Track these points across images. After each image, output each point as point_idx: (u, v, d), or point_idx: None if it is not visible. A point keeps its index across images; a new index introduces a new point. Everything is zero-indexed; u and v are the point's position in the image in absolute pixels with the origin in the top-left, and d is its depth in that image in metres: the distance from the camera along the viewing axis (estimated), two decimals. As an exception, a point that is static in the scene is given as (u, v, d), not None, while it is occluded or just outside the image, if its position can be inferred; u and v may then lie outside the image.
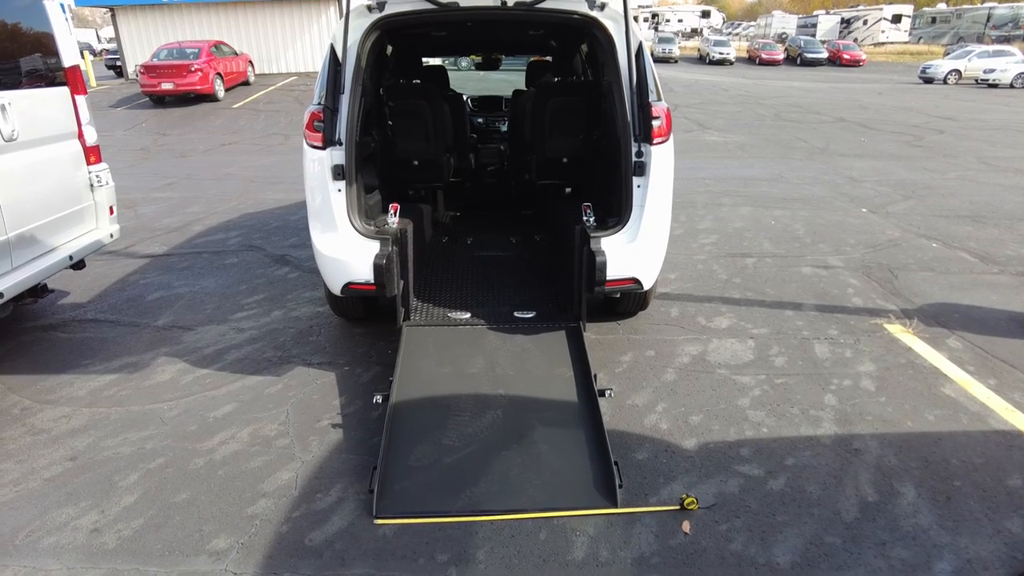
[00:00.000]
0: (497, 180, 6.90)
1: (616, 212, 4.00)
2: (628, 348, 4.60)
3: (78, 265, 4.81)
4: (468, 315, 4.28)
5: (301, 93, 21.79)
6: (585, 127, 5.09)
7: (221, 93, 21.02)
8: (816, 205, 8.84)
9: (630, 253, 3.85)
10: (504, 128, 7.49)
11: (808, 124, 16.99)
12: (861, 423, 3.71)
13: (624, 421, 3.69)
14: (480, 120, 7.68)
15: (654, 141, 3.82)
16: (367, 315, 4.99)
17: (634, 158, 3.84)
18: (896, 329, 4.93)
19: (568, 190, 5.61)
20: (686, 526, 2.92)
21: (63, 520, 2.95)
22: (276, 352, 4.61)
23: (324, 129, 3.81)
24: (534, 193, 6.17)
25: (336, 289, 3.94)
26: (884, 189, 9.71)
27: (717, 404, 3.92)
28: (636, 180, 3.87)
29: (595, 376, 3.64)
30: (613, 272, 3.81)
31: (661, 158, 3.86)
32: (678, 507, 3.03)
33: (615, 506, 3.00)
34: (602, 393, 3.56)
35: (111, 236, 5.17)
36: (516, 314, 4.29)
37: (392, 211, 4.13)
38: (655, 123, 3.80)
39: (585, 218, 4.11)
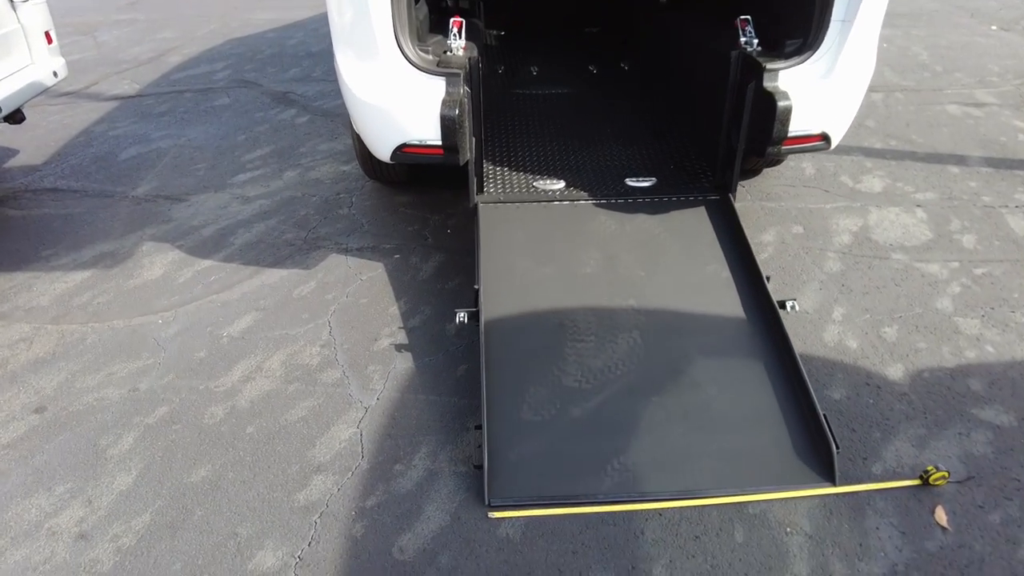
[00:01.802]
0: None
1: (799, 29, 2.64)
2: (765, 222, 3.47)
3: (13, 117, 3.51)
4: (561, 184, 3.09)
5: None
6: None
7: None
8: (931, 22, 7.16)
9: (823, 95, 2.58)
10: None
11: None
12: (1124, 337, 2.69)
13: (793, 335, 2.66)
14: None
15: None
16: (410, 178, 3.79)
17: None
18: (1109, 192, 3.76)
19: None
20: (940, 515, 2.01)
21: (33, 518, 2.03)
22: (298, 232, 3.47)
23: None
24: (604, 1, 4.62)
25: (384, 153, 2.71)
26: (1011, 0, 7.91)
27: (911, 308, 2.87)
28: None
29: (767, 278, 2.55)
30: (798, 124, 2.56)
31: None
32: (919, 482, 2.10)
33: (832, 483, 2.07)
34: (782, 305, 2.49)
35: (55, 75, 3.79)
36: (629, 182, 3.09)
37: (454, 28, 2.75)
38: None
39: (744, 39, 2.75)
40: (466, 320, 2.46)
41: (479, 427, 2.15)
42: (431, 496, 2.06)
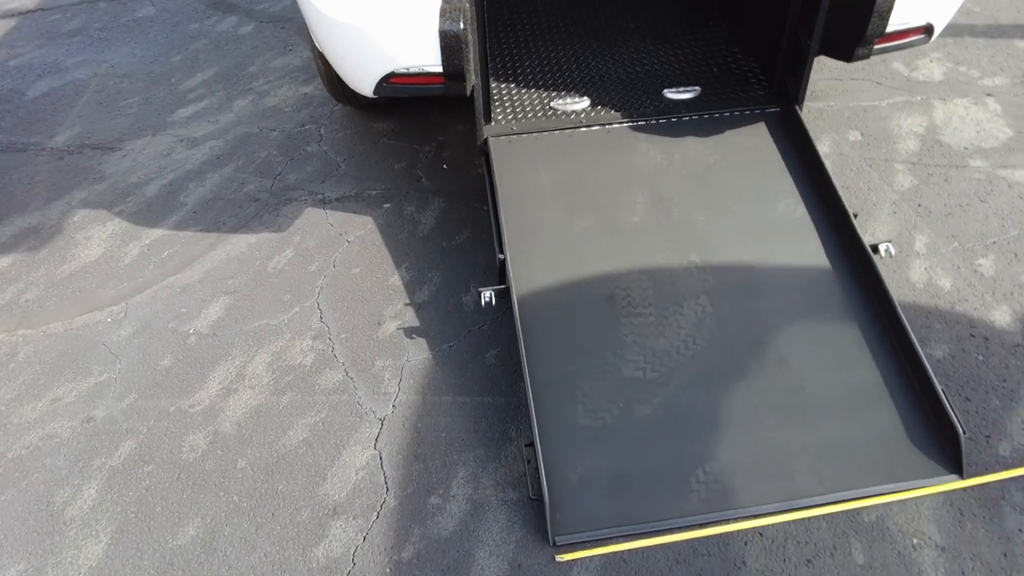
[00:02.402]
0: None
1: None
2: (816, 128, 2.93)
3: None
4: (586, 103, 2.50)
5: None
6: None
7: None
8: None
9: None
10: None
11: None
12: None
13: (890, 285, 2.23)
14: None
15: None
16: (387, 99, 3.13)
17: None
18: None
19: None
20: (1092, 504, 1.69)
21: (-19, 613, 1.61)
22: (262, 181, 2.86)
23: None
24: None
25: (366, 86, 2.09)
26: None
27: (1004, 230, 2.44)
28: None
29: (854, 215, 2.08)
30: (898, 14, 1.99)
31: None
32: (1059, 465, 1.76)
33: (959, 475, 1.72)
34: (875, 249, 2.03)
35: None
36: (668, 94, 2.51)
37: None
38: None
39: None
40: (494, 301, 1.98)
41: (530, 445, 1.74)
42: (480, 537, 1.68)
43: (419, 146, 3.00)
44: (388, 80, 2.01)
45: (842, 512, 1.67)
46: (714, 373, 1.86)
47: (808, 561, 1.61)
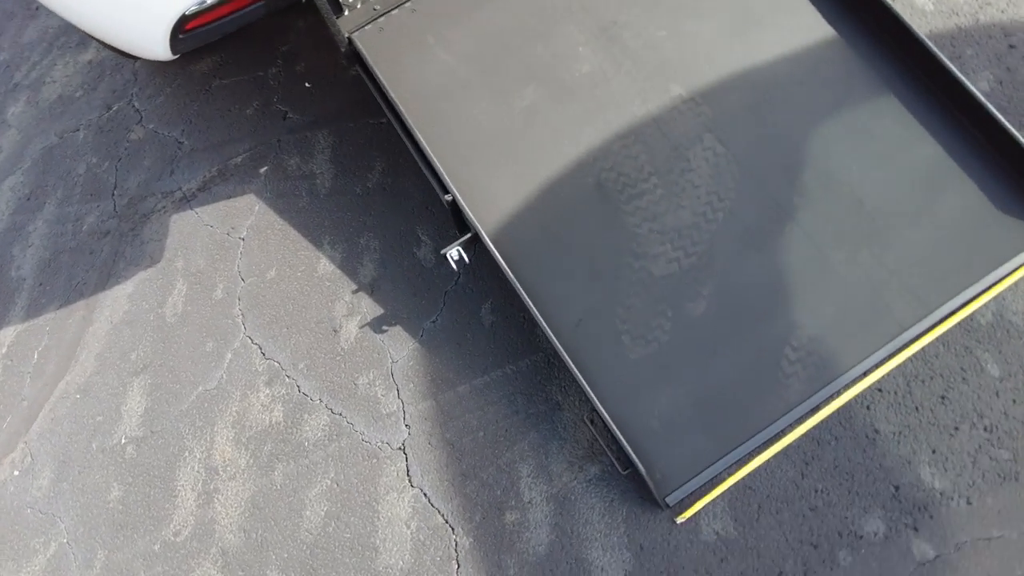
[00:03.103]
0: None
1: None
2: None
3: None
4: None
5: None
6: None
7: None
8: None
9: None
10: None
11: None
12: None
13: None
14: None
15: None
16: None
17: None
18: None
19: None
20: None
21: None
22: (100, 206, 2.19)
23: None
24: None
25: (158, 47, 1.43)
26: None
27: None
28: None
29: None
30: None
31: None
32: None
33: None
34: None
35: None
36: None
37: None
38: None
39: None
40: (465, 257, 1.51)
41: (592, 420, 1.40)
42: (583, 535, 1.40)
43: (263, 71, 2.30)
44: (183, 29, 1.35)
45: (956, 327, 1.41)
46: (756, 226, 1.49)
47: (942, 397, 1.37)
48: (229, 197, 2.07)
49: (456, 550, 1.44)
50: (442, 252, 1.48)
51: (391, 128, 1.65)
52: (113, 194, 2.20)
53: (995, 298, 1.41)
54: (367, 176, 1.97)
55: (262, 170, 2.09)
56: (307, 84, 2.23)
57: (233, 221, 2.02)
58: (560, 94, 1.62)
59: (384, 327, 1.71)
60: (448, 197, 1.50)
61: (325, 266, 1.85)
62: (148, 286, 1.98)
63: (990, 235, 1.44)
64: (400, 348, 1.68)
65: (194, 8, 1.30)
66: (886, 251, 1.44)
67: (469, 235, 1.50)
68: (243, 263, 1.93)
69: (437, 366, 1.64)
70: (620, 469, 1.37)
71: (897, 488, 1.31)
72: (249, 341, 1.80)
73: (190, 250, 2.01)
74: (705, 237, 1.49)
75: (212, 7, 1.32)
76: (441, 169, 1.53)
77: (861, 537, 1.28)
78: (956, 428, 1.34)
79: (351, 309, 1.76)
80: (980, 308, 1.41)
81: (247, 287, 1.89)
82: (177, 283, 1.96)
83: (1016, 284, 1.41)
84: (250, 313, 1.84)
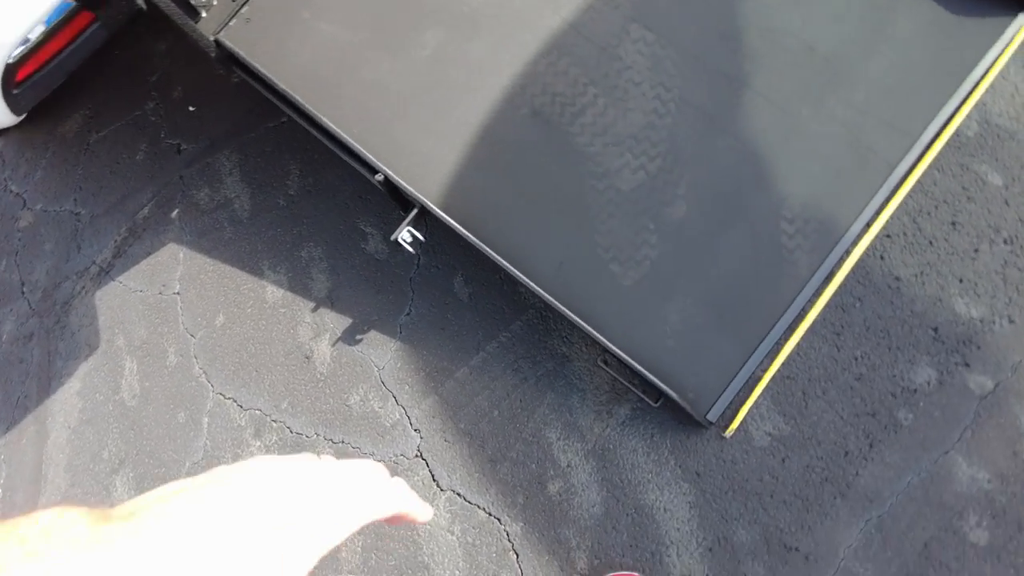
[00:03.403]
0: None
1: None
2: None
3: None
4: None
5: None
6: None
7: None
8: None
9: None
10: None
11: None
12: None
13: None
14: None
15: None
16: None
17: None
18: None
19: None
20: None
21: None
22: (11, 308, 1.97)
23: None
24: None
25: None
26: None
27: None
28: None
29: None
30: None
31: None
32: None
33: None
34: None
35: None
36: None
37: None
38: None
39: None
40: (420, 236, 1.36)
41: (606, 361, 1.30)
42: (634, 480, 1.30)
43: (139, 109, 2.07)
44: (14, 82, 1.14)
45: (946, 148, 1.31)
46: (712, 106, 1.36)
47: (952, 223, 1.29)
48: (149, 254, 1.87)
49: (510, 539, 1.34)
50: (392, 239, 1.33)
51: (295, 124, 1.47)
52: (23, 292, 1.98)
53: (976, 107, 1.32)
54: (286, 184, 1.79)
55: (174, 214, 1.89)
56: (191, 108, 2.01)
57: (162, 278, 1.83)
58: (463, 30, 1.45)
59: (358, 336, 1.57)
60: (379, 177, 1.34)
61: (273, 293, 1.68)
62: (95, 376, 1.79)
63: (952, 43, 1.34)
64: (382, 353, 1.54)
65: (17, 53, 1.09)
66: (852, 92, 1.34)
67: (415, 211, 1.34)
68: (187, 319, 1.75)
69: (427, 359, 1.50)
70: (651, 402, 1.27)
71: (936, 329, 1.23)
72: (222, 398, 1.64)
73: (127, 324, 1.81)
74: (663, 135, 1.36)
75: (39, 46, 1.11)
76: (361, 149, 1.36)
77: (915, 390, 1.21)
78: (976, 250, 1.26)
79: (317, 330, 1.61)
80: (964, 121, 1.32)
81: (200, 342, 1.71)
82: (125, 363, 1.78)
83: (992, 87, 1.32)
84: (212, 368, 1.67)
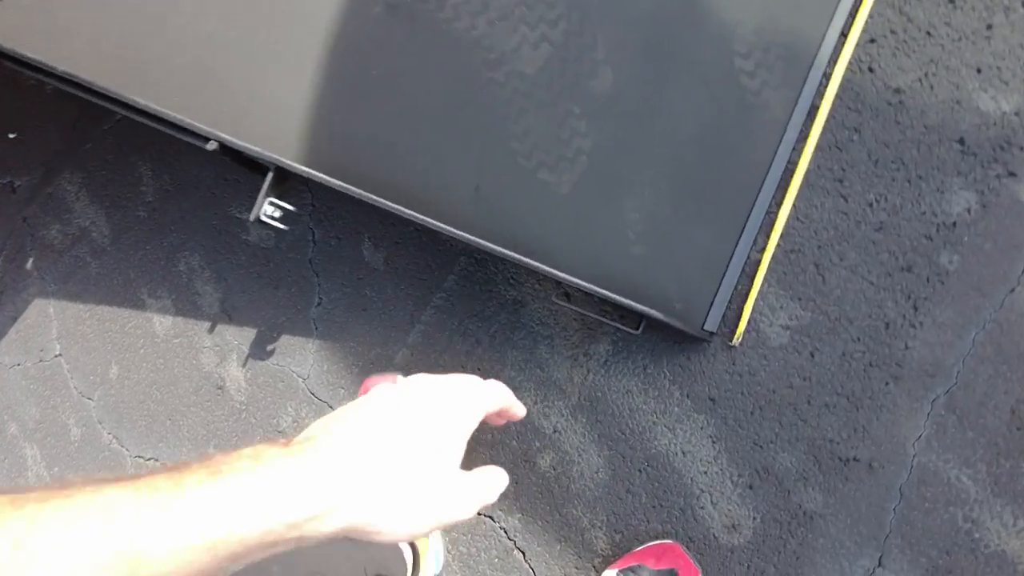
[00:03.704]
0: None
1: None
2: None
3: None
4: None
5: None
6: None
7: None
8: None
9: None
10: None
11: None
12: None
13: None
14: None
15: None
16: None
17: None
18: None
19: None
20: None
21: None
22: None
23: None
24: None
25: None
26: None
27: None
28: None
29: None
30: None
31: None
32: None
33: None
34: None
35: None
36: None
37: None
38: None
39: None
40: (290, 205, 1.05)
41: (566, 293, 1.01)
42: (640, 428, 1.04)
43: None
44: None
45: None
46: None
47: (950, 0, 0.99)
48: (15, 320, 1.56)
49: (510, 537, 1.09)
50: (253, 218, 1.02)
51: (130, 120, 1.13)
52: None
53: None
54: (140, 190, 1.46)
55: (29, 265, 1.56)
56: (11, 135, 1.65)
57: (37, 343, 1.52)
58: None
59: (268, 347, 1.28)
60: (211, 144, 1.02)
61: (162, 323, 1.38)
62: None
63: None
64: (301, 359, 1.25)
65: None
66: None
67: (271, 175, 1.03)
68: (77, 381, 1.45)
69: (357, 351, 1.22)
70: (631, 330, 1.00)
71: (961, 140, 0.95)
72: (141, 460, 1.36)
73: (14, 406, 1.51)
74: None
75: None
76: (180, 117, 1.03)
77: (954, 224, 0.94)
78: (988, 26, 0.96)
79: (221, 352, 1.31)
80: None
81: (100, 404, 1.42)
82: (26, 451, 1.49)
83: None
84: (122, 430, 1.39)
